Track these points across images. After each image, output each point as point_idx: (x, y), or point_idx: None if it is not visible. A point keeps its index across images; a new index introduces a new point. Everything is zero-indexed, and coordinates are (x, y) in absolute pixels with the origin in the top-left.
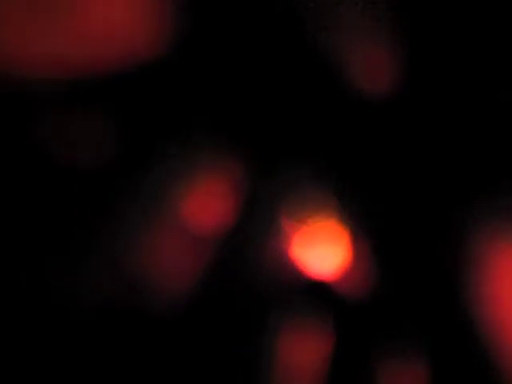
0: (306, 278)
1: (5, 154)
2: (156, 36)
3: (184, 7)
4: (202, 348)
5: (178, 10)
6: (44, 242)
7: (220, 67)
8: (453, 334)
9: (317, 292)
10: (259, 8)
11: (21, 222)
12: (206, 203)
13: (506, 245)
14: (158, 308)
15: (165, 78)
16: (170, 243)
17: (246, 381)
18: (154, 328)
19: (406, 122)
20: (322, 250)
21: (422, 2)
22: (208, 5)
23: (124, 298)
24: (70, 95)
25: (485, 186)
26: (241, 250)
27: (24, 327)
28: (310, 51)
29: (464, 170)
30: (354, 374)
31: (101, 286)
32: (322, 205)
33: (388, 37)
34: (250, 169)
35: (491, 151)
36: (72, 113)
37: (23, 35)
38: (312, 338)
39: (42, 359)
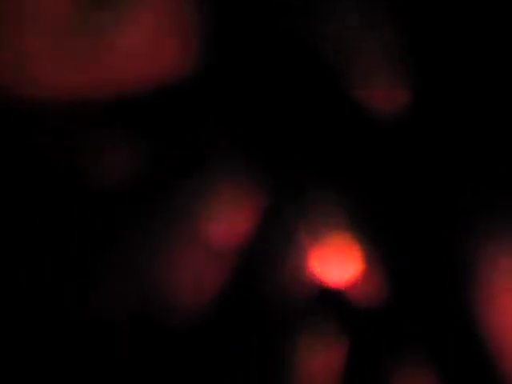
0: (323, 287)
1: (36, 175)
2: (181, 60)
3: (208, 32)
4: (220, 359)
5: (202, 35)
6: (70, 255)
7: (241, 89)
8: (463, 343)
9: (332, 301)
10: (280, 37)
11: (46, 235)
12: (227, 219)
13: None
14: (179, 320)
15: (189, 100)
16: (193, 257)
17: None
18: (174, 339)
19: (414, 137)
20: (337, 262)
21: (431, 23)
22: (230, 31)
23: (146, 310)
24: (98, 116)
25: (489, 194)
26: (260, 262)
27: (44, 338)
28: (326, 75)
29: (468, 180)
30: (366, 382)
31: (124, 297)
32: (338, 219)
33: (397, 55)
34: (269, 185)
35: (496, 160)
36: (100, 134)
37: (54, 60)
38: (327, 346)
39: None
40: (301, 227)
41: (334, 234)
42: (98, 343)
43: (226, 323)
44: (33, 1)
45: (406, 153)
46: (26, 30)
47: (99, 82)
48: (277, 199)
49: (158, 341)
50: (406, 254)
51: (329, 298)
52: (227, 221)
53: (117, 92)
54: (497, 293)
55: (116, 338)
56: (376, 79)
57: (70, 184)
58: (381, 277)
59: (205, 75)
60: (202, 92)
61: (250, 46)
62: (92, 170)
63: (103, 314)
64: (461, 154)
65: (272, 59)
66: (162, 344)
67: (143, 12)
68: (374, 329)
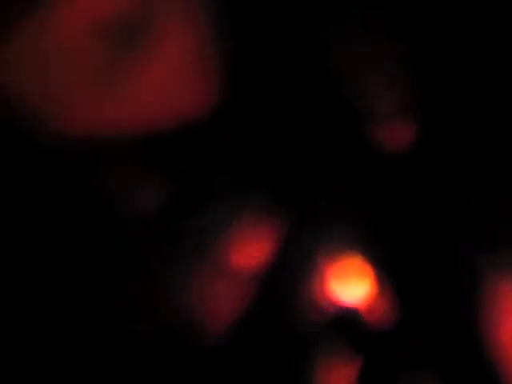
0: (338, 307)
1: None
2: (203, 100)
3: (226, 73)
4: (243, 380)
5: (221, 77)
6: (106, 280)
7: (257, 122)
8: (472, 361)
9: (347, 320)
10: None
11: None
12: (248, 245)
13: None
14: (205, 340)
15: (211, 136)
16: (217, 282)
17: None
18: (199, 358)
19: (422, 163)
20: (351, 283)
21: (439, 58)
22: (248, 71)
23: (172, 328)
24: (127, 151)
25: (493, 219)
26: (279, 285)
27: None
28: (338, 107)
29: (475, 205)
30: None
31: (152, 320)
32: (351, 243)
33: (405, 88)
34: (287, 212)
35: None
36: (129, 166)
37: (87, 98)
38: (342, 363)
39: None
40: (317, 250)
41: (348, 256)
42: (122, 355)
43: (247, 343)
44: (65, 40)
45: (414, 178)
46: (57, 68)
47: (125, 119)
48: (294, 225)
49: (182, 359)
50: (415, 275)
51: (344, 317)
52: (249, 247)
53: (142, 127)
54: (503, 313)
55: (141, 352)
56: (384, 113)
57: (101, 210)
58: (391, 297)
59: (224, 110)
60: (222, 125)
61: (265, 81)
62: (120, 200)
63: (130, 329)
64: (466, 179)
65: (286, 92)
66: (186, 362)
67: (167, 50)
68: (385, 347)
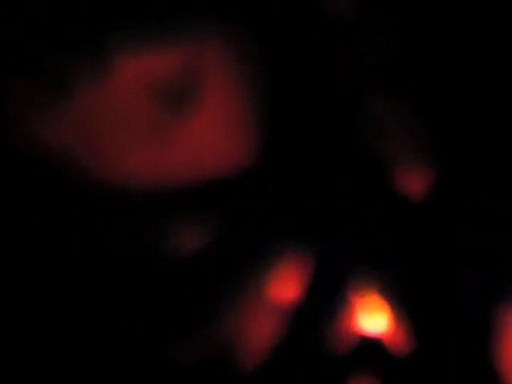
0: (362, 337)
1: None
2: (247, 150)
3: (265, 126)
4: None
5: (263, 127)
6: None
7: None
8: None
9: (370, 348)
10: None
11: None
12: (282, 279)
13: None
14: (243, 365)
15: (249, 183)
16: (253, 312)
17: None
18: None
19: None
20: (373, 316)
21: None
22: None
23: (214, 354)
24: (174, 196)
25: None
26: (310, 317)
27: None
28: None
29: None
30: None
31: (194, 348)
32: (374, 282)
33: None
34: (317, 253)
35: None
36: (180, 212)
37: (140, 151)
38: None
39: None
40: (344, 287)
41: (370, 292)
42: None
43: (281, 368)
44: (121, 99)
45: (430, 220)
46: (114, 123)
47: (174, 169)
48: (324, 264)
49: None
50: (428, 309)
51: (368, 346)
52: (284, 282)
53: (190, 176)
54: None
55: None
56: (403, 162)
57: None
58: (408, 329)
59: (263, 163)
60: (259, 177)
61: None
62: (164, 239)
63: (177, 352)
64: (477, 216)
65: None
66: None
67: (212, 107)
68: (404, 372)
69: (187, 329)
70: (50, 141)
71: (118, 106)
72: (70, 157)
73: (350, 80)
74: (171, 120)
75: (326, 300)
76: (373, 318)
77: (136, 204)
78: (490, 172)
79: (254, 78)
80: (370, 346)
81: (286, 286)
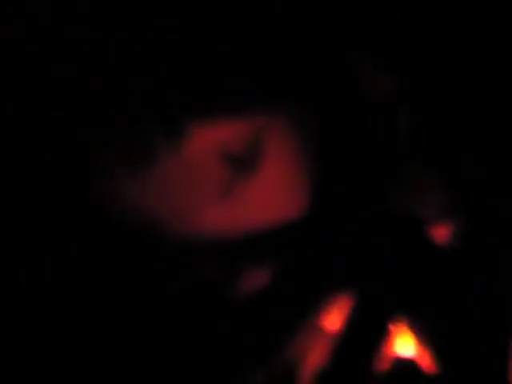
0: (398, 359)
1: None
2: (301, 204)
3: (318, 183)
4: None
5: (314, 186)
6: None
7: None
8: None
9: (405, 368)
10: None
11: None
12: (332, 312)
13: None
14: None
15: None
16: (309, 340)
17: None
18: None
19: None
20: (405, 342)
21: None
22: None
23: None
24: (243, 247)
25: None
26: (354, 343)
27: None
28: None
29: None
30: None
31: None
32: (403, 316)
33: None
34: (359, 290)
35: None
36: (246, 257)
37: (213, 206)
38: None
39: None
40: (381, 318)
41: (402, 323)
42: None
43: None
44: (196, 161)
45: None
46: (189, 182)
47: (240, 221)
48: (364, 300)
49: None
50: (449, 337)
51: (403, 366)
52: (334, 313)
53: (253, 227)
54: None
55: None
56: (427, 215)
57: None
58: (432, 353)
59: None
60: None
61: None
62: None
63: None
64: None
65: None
66: None
67: (272, 168)
68: None
69: (260, 355)
70: (134, 200)
71: (193, 169)
72: (151, 213)
73: (388, 148)
74: (238, 181)
75: (368, 329)
76: (405, 343)
77: (208, 251)
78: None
79: (306, 144)
80: (406, 366)
81: (335, 318)
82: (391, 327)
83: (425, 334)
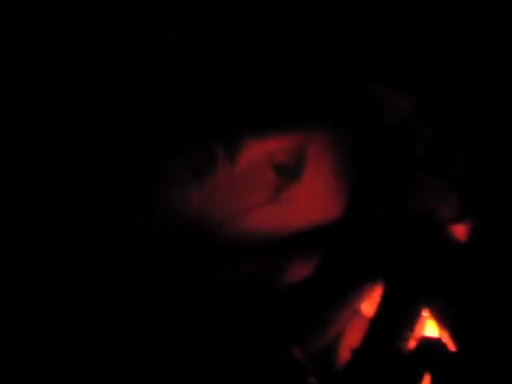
0: (427, 338)
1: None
2: (340, 205)
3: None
4: None
5: (350, 189)
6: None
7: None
8: None
9: (433, 345)
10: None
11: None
12: (369, 298)
13: None
14: (338, 365)
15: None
16: (348, 323)
17: None
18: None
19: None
20: (432, 327)
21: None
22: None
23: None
24: (291, 242)
25: None
26: (388, 327)
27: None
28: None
29: None
30: None
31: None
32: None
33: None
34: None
35: None
36: (294, 251)
37: (263, 209)
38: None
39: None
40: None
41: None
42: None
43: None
44: (249, 170)
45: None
46: (246, 190)
47: (289, 220)
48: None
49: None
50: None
51: (432, 344)
52: (370, 301)
53: (301, 225)
54: None
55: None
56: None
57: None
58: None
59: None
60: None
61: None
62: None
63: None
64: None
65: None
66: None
67: (313, 177)
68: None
69: (304, 335)
70: (196, 202)
71: (246, 177)
72: (210, 214)
73: (406, 162)
74: (285, 187)
75: (401, 310)
76: (432, 325)
77: (261, 247)
78: None
79: (342, 155)
80: (434, 343)
81: (371, 303)
82: (420, 312)
83: (443, 320)
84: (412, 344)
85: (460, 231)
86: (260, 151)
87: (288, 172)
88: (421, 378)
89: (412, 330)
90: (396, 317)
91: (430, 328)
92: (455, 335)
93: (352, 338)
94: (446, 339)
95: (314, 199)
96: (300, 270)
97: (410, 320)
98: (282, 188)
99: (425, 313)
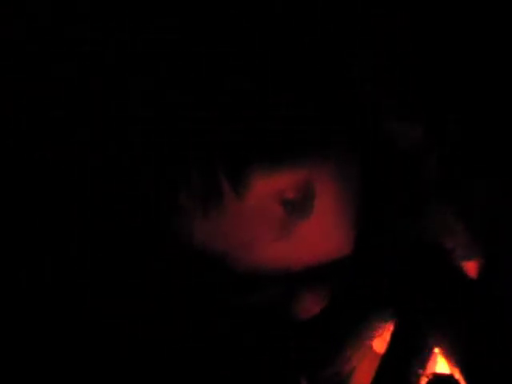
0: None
1: None
2: (348, 240)
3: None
4: None
5: (358, 224)
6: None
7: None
8: None
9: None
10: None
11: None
12: (380, 334)
13: None
14: None
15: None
16: (361, 358)
17: None
18: None
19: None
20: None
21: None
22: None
23: None
24: (299, 277)
25: None
26: (400, 362)
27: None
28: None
29: None
30: None
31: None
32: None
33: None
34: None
35: None
36: (301, 286)
37: (269, 244)
38: None
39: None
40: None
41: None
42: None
43: None
44: (256, 204)
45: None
46: (253, 225)
47: (297, 255)
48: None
49: None
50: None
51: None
52: (381, 336)
53: (300, 263)
54: None
55: None
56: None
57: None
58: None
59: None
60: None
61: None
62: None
63: None
64: None
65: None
66: None
67: (320, 212)
68: None
69: (317, 372)
70: (204, 236)
71: (254, 212)
72: (218, 247)
73: (420, 192)
74: (294, 221)
75: (412, 347)
76: (443, 361)
77: (268, 282)
78: None
79: (350, 185)
80: (444, 381)
81: (383, 339)
82: (432, 348)
83: (453, 357)
84: (424, 381)
85: (472, 268)
86: (268, 187)
87: (297, 207)
88: None
89: (424, 367)
90: (407, 353)
91: (441, 364)
92: (466, 372)
93: (364, 375)
94: (458, 376)
95: (323, 235)
96: (310, 306)
97: (422, 357)
98: (291, 223)
99: (436, 349)
